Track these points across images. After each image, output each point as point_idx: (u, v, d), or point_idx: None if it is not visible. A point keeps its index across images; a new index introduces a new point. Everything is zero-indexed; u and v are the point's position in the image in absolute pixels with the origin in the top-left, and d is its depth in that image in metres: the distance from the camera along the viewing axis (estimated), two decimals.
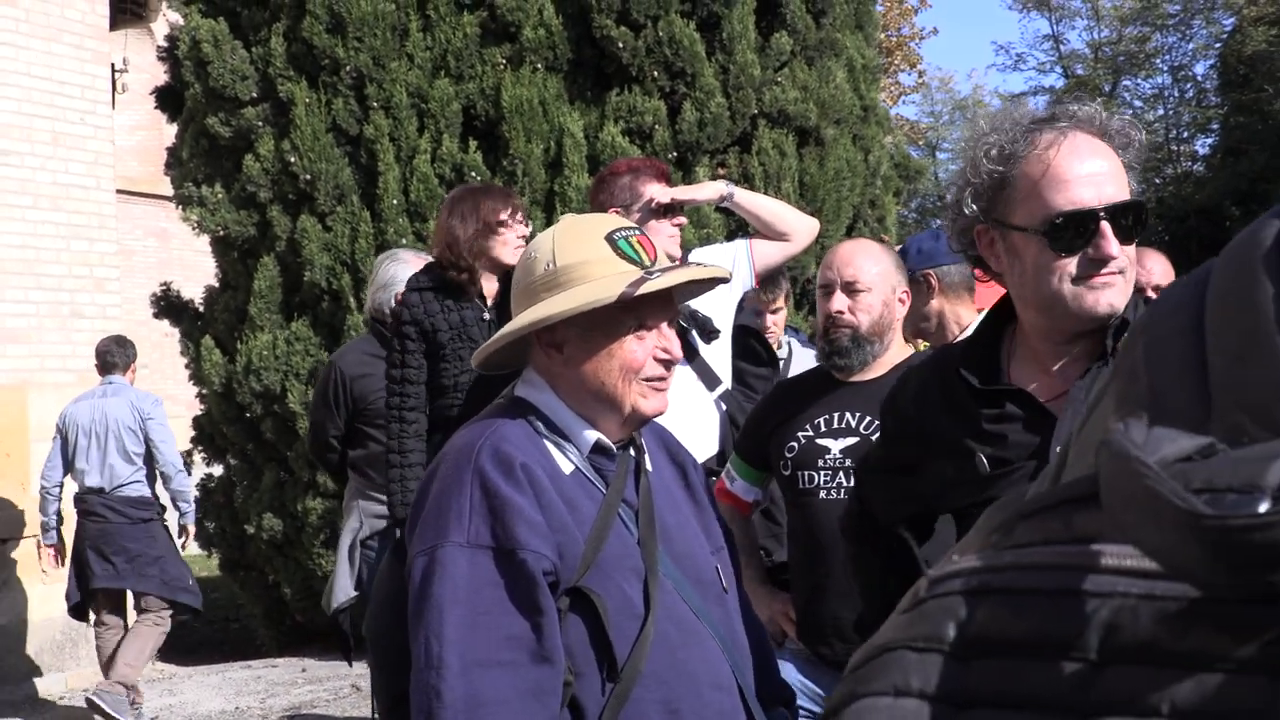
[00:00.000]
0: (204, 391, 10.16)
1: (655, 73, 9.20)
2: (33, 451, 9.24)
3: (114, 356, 8.41)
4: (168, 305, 10.80)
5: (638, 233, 2.33)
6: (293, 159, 9.34)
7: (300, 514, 9.47)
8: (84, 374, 9.60)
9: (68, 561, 8.40)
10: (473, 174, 9.14)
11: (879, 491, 2.56)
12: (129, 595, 8.48)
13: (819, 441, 3.55)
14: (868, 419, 3.41)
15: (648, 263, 2.28)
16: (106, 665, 8.13)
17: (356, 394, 5.80)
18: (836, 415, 3.48)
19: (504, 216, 4.89)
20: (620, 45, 9.14)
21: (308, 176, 9.33)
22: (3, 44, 9.21)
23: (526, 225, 4.99)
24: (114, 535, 8.12)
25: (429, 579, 2.12)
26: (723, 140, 9.37)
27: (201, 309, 10.60)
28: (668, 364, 2.32)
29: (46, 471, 8.34)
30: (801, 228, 4.72)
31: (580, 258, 2.26)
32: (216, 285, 10.47)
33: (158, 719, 8.16)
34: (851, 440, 3.45)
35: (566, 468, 2.25)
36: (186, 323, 10.62)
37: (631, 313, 2.26)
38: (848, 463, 3.37)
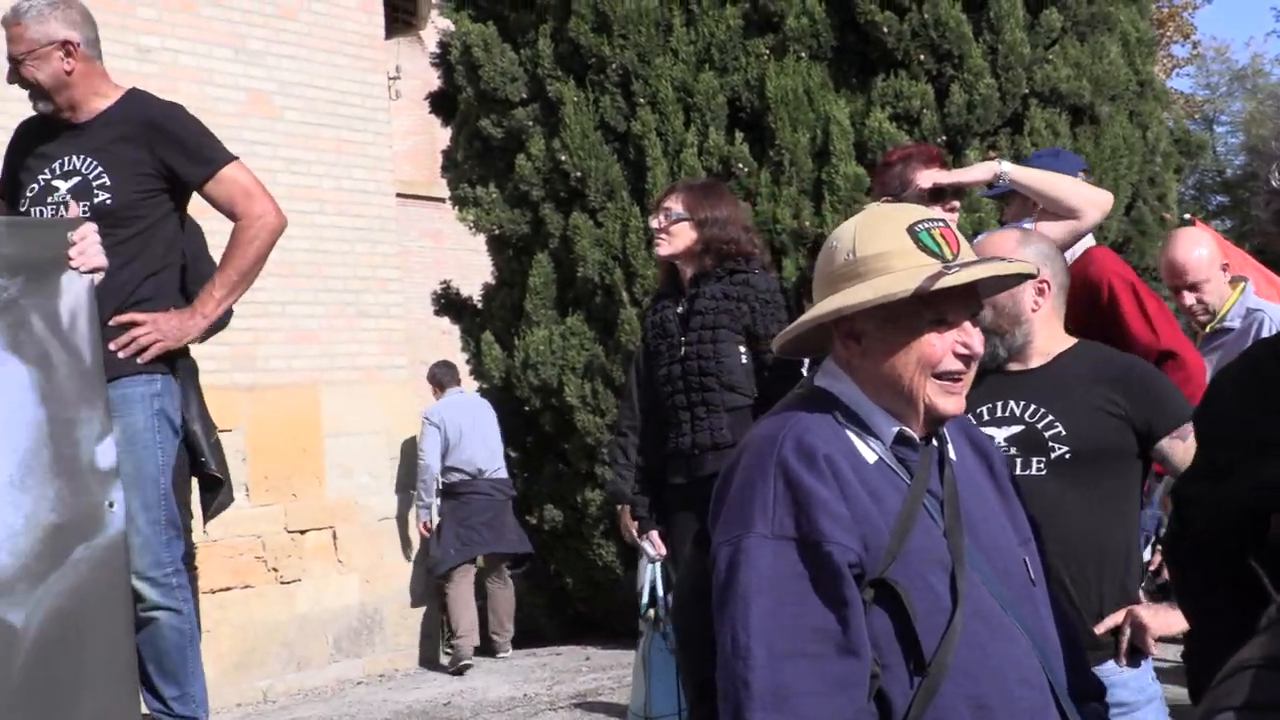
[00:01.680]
0: (484, 386, 10.41)
1: (921, 56, 9.07)
2: (326, 447, 9.60)
3: (446, 375, 10.60)
4: (448, 303, 11.11)
5: (941, 224, 2.29)
6: (563, 157, 9.51)
7: (580, 505, 9.65)
8: (370, 371, 9.96)
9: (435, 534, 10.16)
10: (739, 165, 9.17)
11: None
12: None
13: (984, 430, 3.42)
14: (1032, 407, 3.27)
15: (949, 256, 2.23)
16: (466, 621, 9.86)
17: None
18: (1000, 404, 3.34)
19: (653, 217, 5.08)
20: (885, 30, 9.04)
21: (578, 174, 9.48)
22: (288, 57, 9.58)
23: (664, 219, 5.00)
24: (485, 509, 9.93)
25: (734, 569, 2.12)
26: (993, 122, 9.18)
27: (480, 306, 10.87)
28: (967, 360, 2.27)
29: (428, 460, 9.99)
30: (1091, 202, 4.54)
31: (880, 249, 2.23)
32: (493, 282, 10.72)
33: (450, 704, 8.38)
34: (1016, 429, 3.32)
35: (870, 458, 2.22)
36: (466, 320, 10.91)
37: (930, 307, 2.21)
38: (1012, 450, 3.24)
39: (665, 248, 4.95)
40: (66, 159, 4.26)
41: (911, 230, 2.25)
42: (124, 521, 3.52)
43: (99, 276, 3.51)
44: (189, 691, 4.35)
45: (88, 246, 3.46)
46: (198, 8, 9.11)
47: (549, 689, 8.58)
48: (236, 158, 4.38)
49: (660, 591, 5.17)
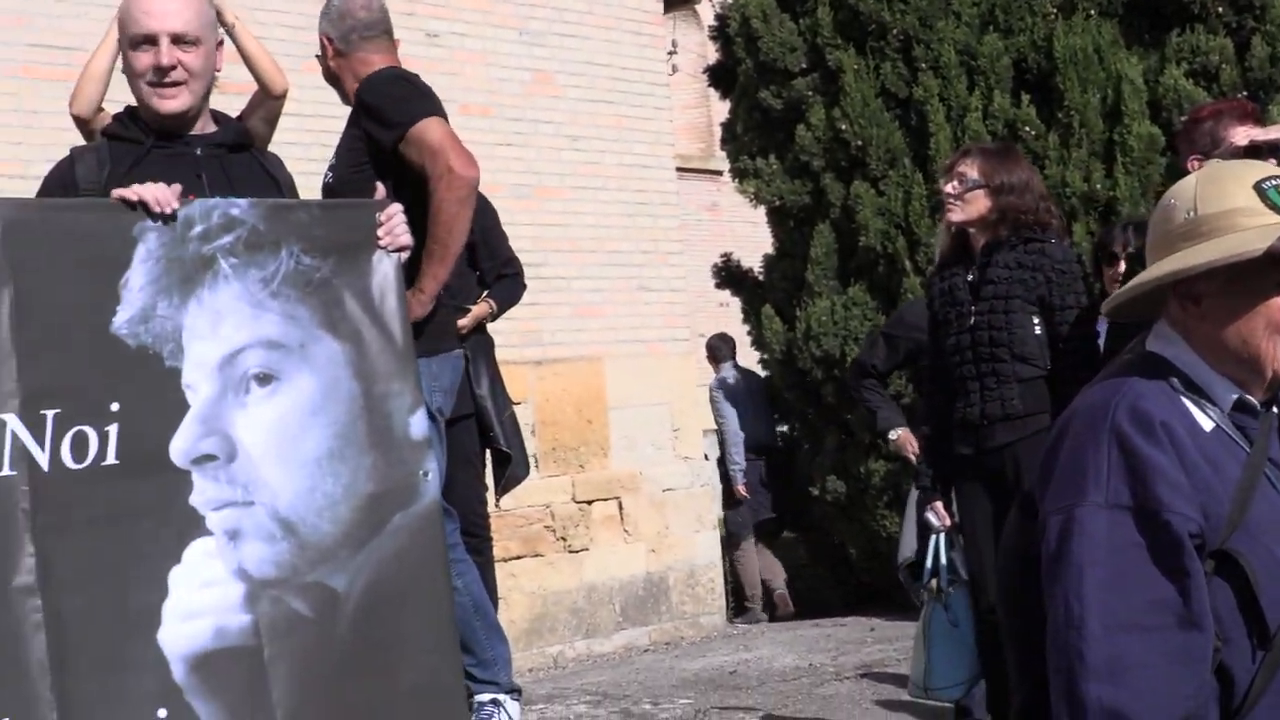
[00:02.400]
0: (765, 358, 10.42)
1: (1219, 8, 8.70)
2: (610, 419, 9.75)
3: (723, 348, 11.47)
4: (728, 275, 11.15)
5: None
6: (843, 126, 9.43)
7: (863, 476, 9.59)
8: (653, 345, 10.06)
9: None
10: (1026, 129, 8.96)
11: None
12: None
13: None
14: None
15: None
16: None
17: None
18: None
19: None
20: None
21: (859, 142, 9.39)
22: (570, 36, 9.72)
23: (958, 184, 4.84)
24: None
25: (1066, 539, 2.06)
26: None
27: (760, 278, 10.88)
28: None
29: (729, 425, 10.92)
30: None
31: (1224, 207, 2.13)
32: (773, 254, 10.71)
33: (736, 673, 8.43)
34: None
35: (1206, 425, 2.13)
36: (747, 292, 10.94)
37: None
38: None
39: (958, 214, 4.85)
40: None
41: (1259, 187, 2.13)
42: (438, 490, 3.63)
43: (406, 255, 3.61)
44: (484, 659, 4.47)
45: (395, 225, 3.56)
46: None
47: (834, 659, 8.55)
48: (430, 115, 4.21)
49: (943, 561, 5.11)
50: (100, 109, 4.88)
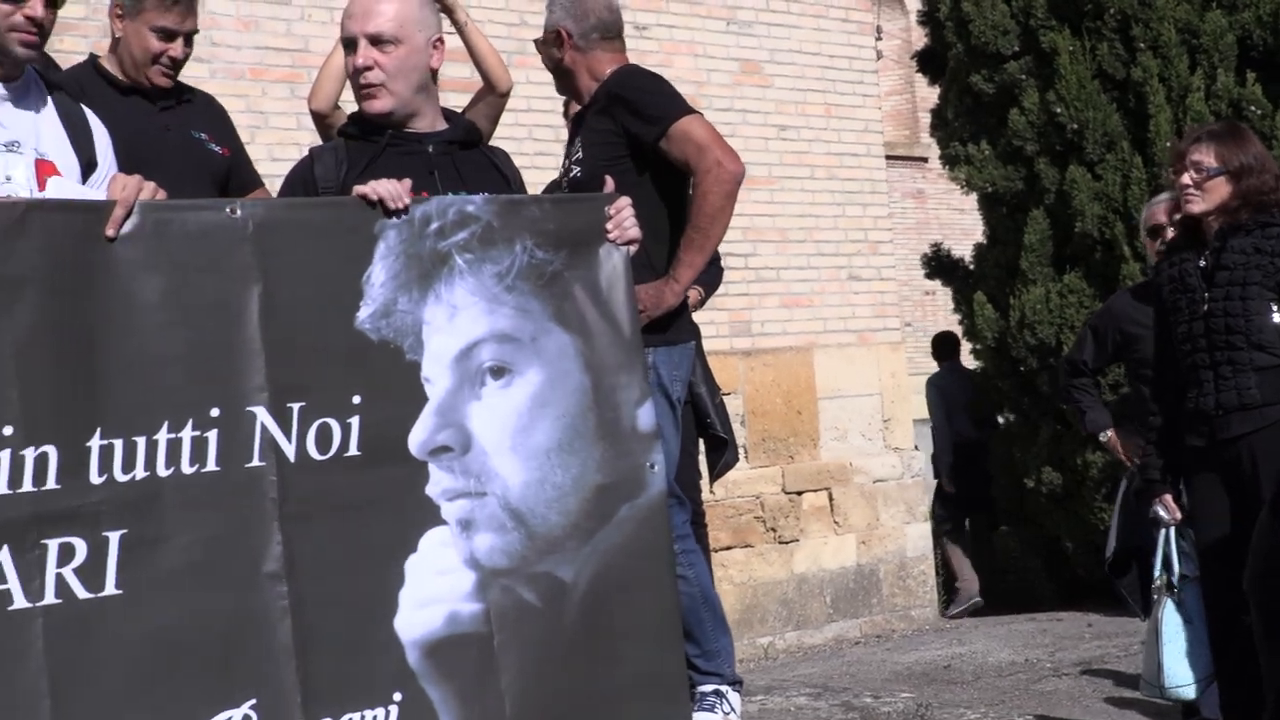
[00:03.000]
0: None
1: None
2: (820, 409, 9.72)
3: (947, 346, 11.60)
4: (938, 264, 11.03)
5: None
6: (1058, 109, 9.27)
7: (1080, 467, 9.41)
8: (863, 334, 10.01)
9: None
10: (1252, 108, 8.68)
11: None
12: None
13: None
14: None
15: None
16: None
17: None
18: None
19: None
20: None
21: (1074, 125, 9.22)
22: (777, 25, 9.71)
23: (1195, 174, 4.67)
24: None
25: None
26: None
27: (971, 266, 10.73)
28: None
29: (939, 421, 11.27)
30: None
31: None
32: (985, 241, 10.56)
33: (950, 667, 8.35)
34: None
35: None
36: (957, 280, 10.80)
37: None
38: None
39: (1198, 205, 4.70)
40: (572, 144, 4.48)
41: None
42: (664, 483, 3.66)
43: (634, 248, 3.64)
44: (709, 649, 4.49)
45: (624, 219, 3.59)
46: None
47: (1051, 655, 8.41)
48: (692, 112, 4.31)
49: (1174, 557, 4.97)
50: (337, 106, 5.02)
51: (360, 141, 3.68)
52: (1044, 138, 9.48)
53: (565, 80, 4.53)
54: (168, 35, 4.36)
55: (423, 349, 3.27)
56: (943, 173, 14.35)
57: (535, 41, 4.59)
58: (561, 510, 3.45)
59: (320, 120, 5.04)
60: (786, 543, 9.53)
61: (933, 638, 9.59)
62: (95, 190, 3.29)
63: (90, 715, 2.86)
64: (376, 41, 3.60)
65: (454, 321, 3.32)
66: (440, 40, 3.77)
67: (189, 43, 4.47)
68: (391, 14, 3.61)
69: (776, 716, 4.86)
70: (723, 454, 5.36)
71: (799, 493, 9.62)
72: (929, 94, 16.10)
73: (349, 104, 4.71)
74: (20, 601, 2.81)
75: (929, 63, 11.04)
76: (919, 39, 13.62)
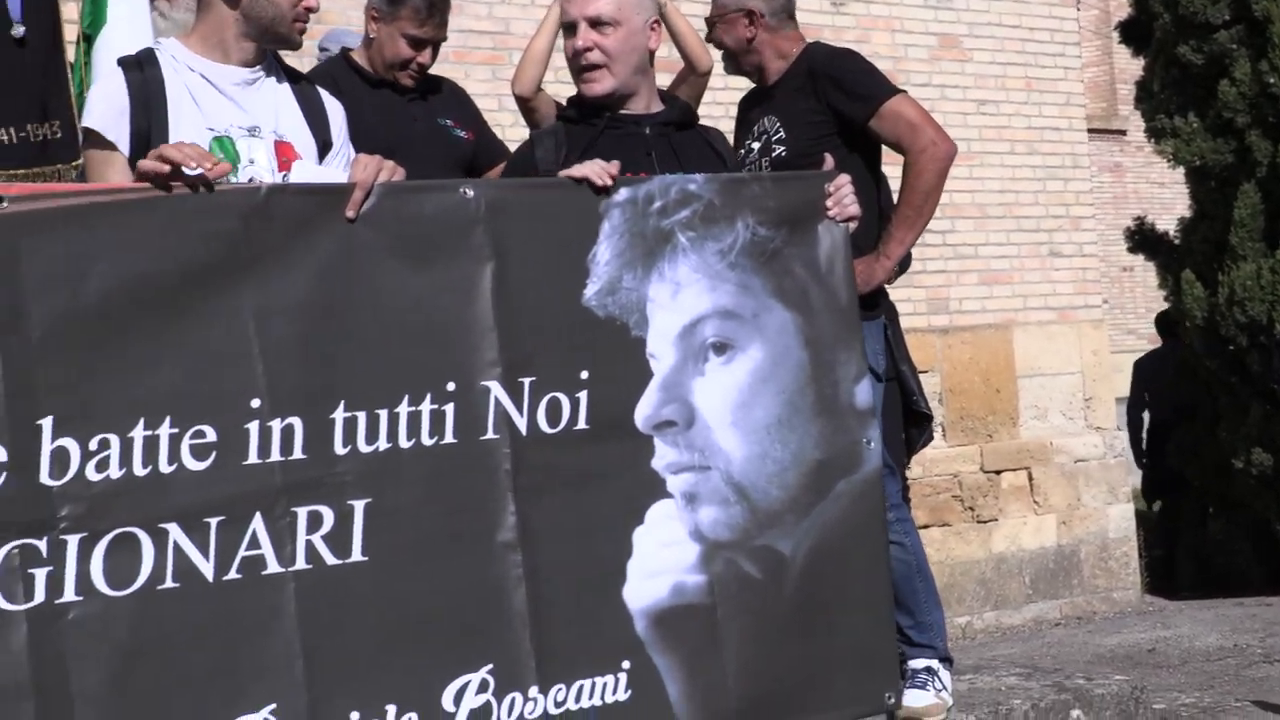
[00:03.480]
0: (1184, 324, 10.06)
1: None
2: (1019, 388, 9.61)
3: (1165, 326, 11.28)
4: (1141, 239, 10.81)
5: None
6: (1271, 80, 9.02)
7: None
8: (1064, 312, 9.87)
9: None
10: None
11: None
12: None
13: None
14: None
15: None
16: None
17: None
18: None
19: None
20: None
21: None
22: None
23: None
24: None
25: None
26: None
27: (1177, 241, 10.50)
28: None
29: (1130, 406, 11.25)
30: None
31: None
32: (1192, 216, 10.32)
33: (1155, 651, 8.21)
34: None
35: None
36: (1162, 256, 10.57)
37: None
38: None
39: None
40: (759, 123, 4.50)
41: None
42: (880, 458, 3.69)
43: (854, 225, 3.67)
44: (923, 621, 4.49)
45: (844, 196, 3.62)
46: None
47: (1262, 640, 8.21)
48: (900, 91, 4.35)
49: None
50: (539, 89, 5.12)
51: (579, 125, 3.75)
52: (1256, 109, 9.23)
53: (747, 59, 4.53)
54: (417, 44, 4.52)
55: (647, 325, 3.34)
56: (1141, 146, 14.06)
57: (709, 20, 4.60)
58: (781, 485, 3.49)
59: (524, 104, 5.13)
60: (985, 522, 9.45)
61: (1135, 620, 9.44)
62: (333, 169, 3.41)
63: (340, 676, 2.97)
64: (596, 24, 3.68)
65: (677, 298, 3.38)
66: (657, 22, 3.83)
67: (436, 50, 4.62)
68: None
69: (987, 695, 4.83)
70: (924, 430, 5.36)
71: (998, 472, 9.54)
72: (1128, 65, 15.79)
73: (551, 85, 4.83)
74: (273, 566, 2.93)
75: (1132, 33, 10.79)
76: (1118, 9, 13.35)
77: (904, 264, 5.58)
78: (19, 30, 4.68)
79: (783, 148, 4.37)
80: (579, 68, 3.72)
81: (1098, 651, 8.28)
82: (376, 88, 4.57)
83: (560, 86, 4.68)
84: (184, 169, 2.88)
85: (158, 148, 2.99)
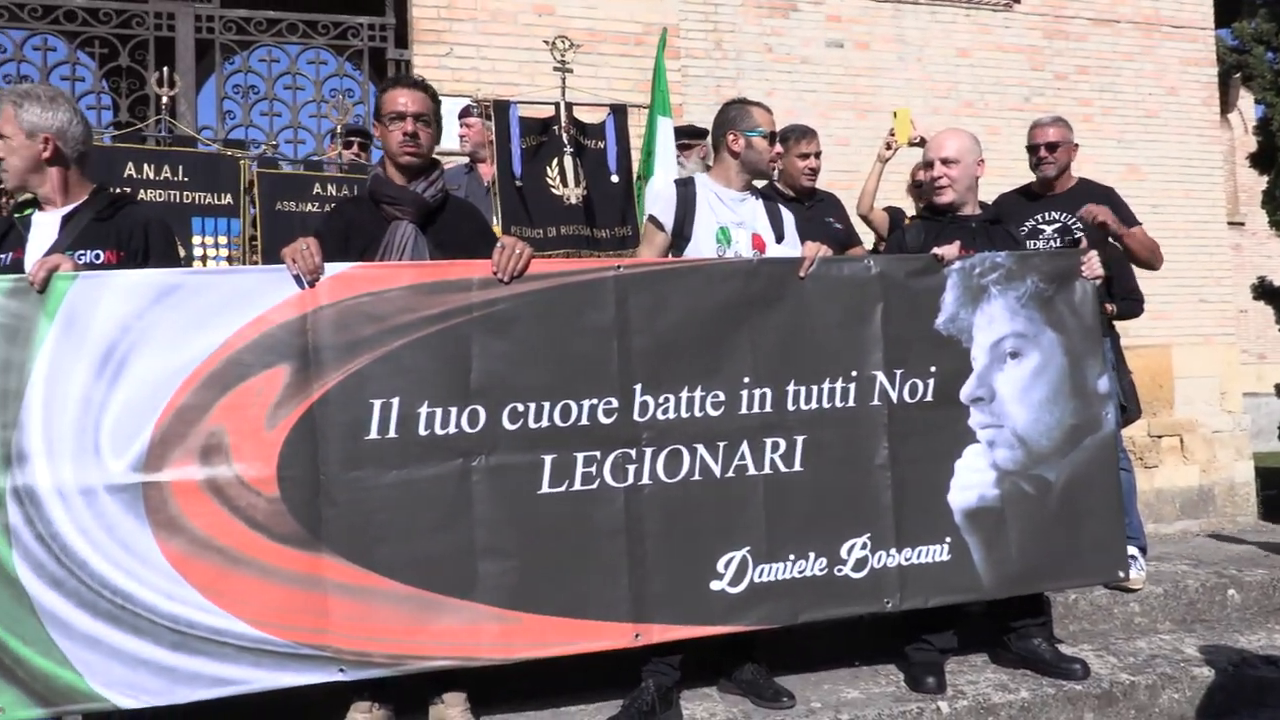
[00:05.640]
0: None
1: None
2: (1175, 385, 8.76)
3: None
4: (1263, 291, 9.64)
5: None
6: None
7: None
8: (1207, 338, 8.93)
9: None
10: None
11: None
12: None
13: None
14: None
15: None
16: None
17: None
18: None
19: None
20: None
21: None
22: (1153, 140, 8.80)
23: None
24: None
25: None
26: None
27: None
28: None
29: None
30: None
31: None
32: None
33: (1270, 556, 7.30)
34: None
35: None
36: (1277, 302, 9.41)
37: None
38: None
39: None
40: (1045, 213, 4.27)
41: None
42: (1114, 424, 3.45)
43: (1099, 281, 3.45)
44: (1132, 522, 4.20)
45: (1094, 264, 3.41)
46: None
47: None
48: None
49: None
50: (872, 208, 4.98)
51: (931, 221, 3.67)
52: None
53: (1061, 171, 4.33)
54: (805, 159, 4.53)
55: (972, 341, 3.24)
56: (1256, 231, 12.54)
57: (1049, 144, 4.33)
58: (1049, 438, 3.32)
59: (864, 217, 5.00)
60: (1150, 468, 8.65)
61: (1252, 535, 8.42)
62: (787, 248, 3.44)
63: (784, 533, 3.02)
64: (946, 161, 3.59)
65: (990, 325, 3.27)
66: (982, 160, 3.70)
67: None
68: (955, 146, 3.57)
69: (1167, 576, 4.45)
70: (1126, 413, 4.96)
71: (1159, 437, 8.71)
72: (1248, 179, 14.12)
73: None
74: (752, 470, 3.01)
75: (1259, 159, 9.64)
76: (1244, 143, 11.94)
77: (1127, 315, 5.16)
78: (614, 178, 4.91)
79: (1082, 232, 4.16)
80: (934, 187, 3.62)
81: (1228, 554, 7.43)
82: (788, 203, 4.58)
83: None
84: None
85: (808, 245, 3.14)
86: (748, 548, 2.98)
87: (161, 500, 2.56)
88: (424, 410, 2.73)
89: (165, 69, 5.32)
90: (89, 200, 2.85)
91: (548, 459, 2.81)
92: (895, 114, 4.85)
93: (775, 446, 3.03)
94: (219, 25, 5.82)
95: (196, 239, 4.82)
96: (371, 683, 2.75)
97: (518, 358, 2.80)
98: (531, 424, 2.81)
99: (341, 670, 2.66)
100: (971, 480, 3.24)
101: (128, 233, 2.80)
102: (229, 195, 4.84)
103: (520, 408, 2.80)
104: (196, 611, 2.57)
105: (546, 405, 2.82)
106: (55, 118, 2.79)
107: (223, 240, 4.85)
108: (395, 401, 2.70)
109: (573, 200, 4.78)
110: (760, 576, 2.98)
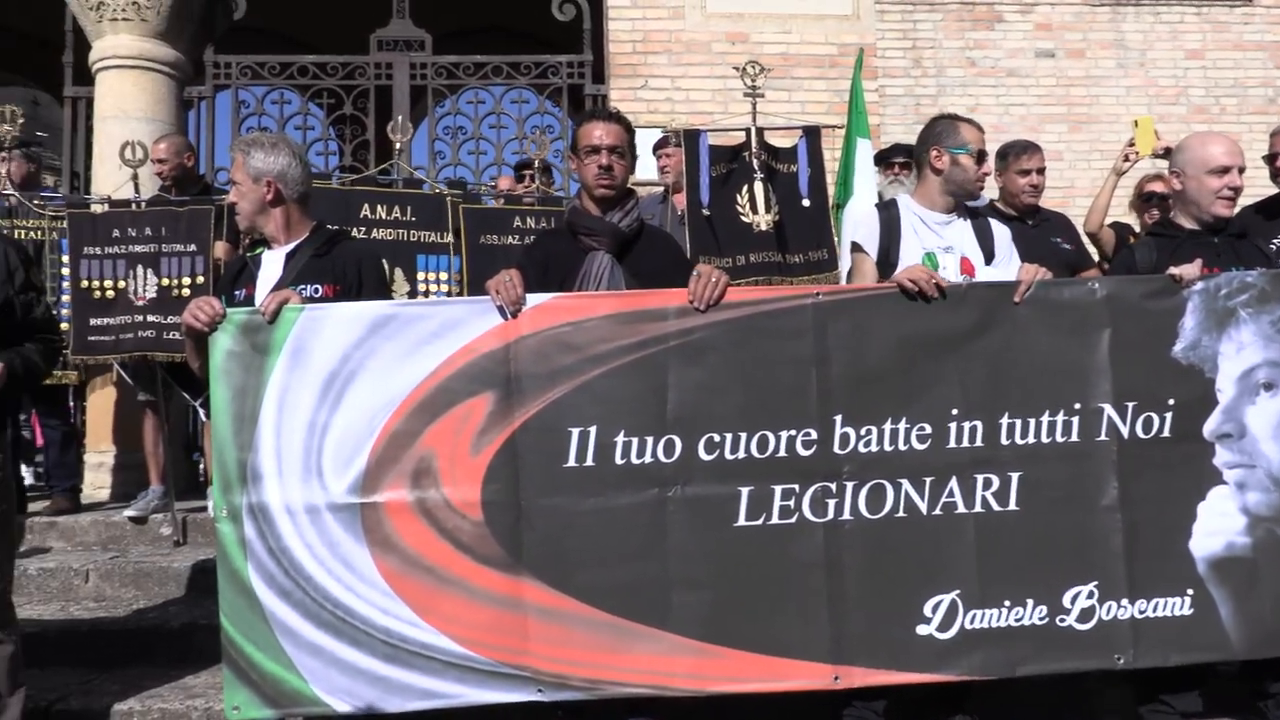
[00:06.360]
0: None
1: None
2: None
3: None
4: None
5: None
6: None
7: None
8: None
9: None
10: None
11: None
12: None
13: None
14: None
15: None
16: None
17: None
18: None
19: None
20: None
21: None
22: None
23: None
24: None
25: None
26: None
27: None
28: None
29: None
30: None
31: None
32: None
33: None
34: None
35: None
36: None
37: None
38: None
39: None
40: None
41: None
42: None
43: None
44: None
45: None
46: None
47: None
48: None
49: None
50: (1102, 226, 4.69)
51: (1164, 238, 3.35)
52: None
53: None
54: (1026, 175, 4.29)
55: (1217, 370, 2.92)
56: None
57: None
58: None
59: (1092, 236, 4.69)
60: None
61: None
62: (1000, 270, 3.23)
63: (998, 575, 2.81)
64: (1242, 170, 3.27)
65: (1240, 353, 2.93)
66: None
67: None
68: (1241, 153, 3.28)
69: None
70: None
71: None
72: None
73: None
74: (961, 508, 2.83)
75: None
76: None
77: None
78: (806, 201, 4.85)
79: None
80: (1218, 198, 3.26)
81: None
82: (1010, 221, 4.33)
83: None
84: (903, 285, 2.84)
85: (904, 270, 2.94)
86: (957, 591, 2.80)
87: (377, 520, 2.70)
88: (620, 439, 2.74)
89: (400, 117, 5.72)
90: (309, 238, 3.02)
91: (744, 491, 2.76)
92: (1136, 123, 4.51)
93: (987, 483, 2.84)
94: (431, 71, 6.21)
95: (420, 275, 5.15)
96: (566, 705, 2.78)
97: (714, 387, 2.77)
98: (728, 455, 2.77)
99: (540, 691, 2.70)
100: (1218, 526, 2.91)
101: (342, 267, 2.96)
102: (449, 234, 5.14)
103: (716, 438, 2.76)
104: (408, 627, 2.68)
105: (743, 436, 2.77)
106: (276, 162, 2.99)
107: (443, 276, 5.15)
108: (593, 430, 2.74)
109: (763, 227, 4.74)
110: (972, 622, 2.79)
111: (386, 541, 2.70)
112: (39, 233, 5.26)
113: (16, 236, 5.06)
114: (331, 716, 2.71)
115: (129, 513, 5.05)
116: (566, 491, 2.72)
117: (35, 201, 5.28)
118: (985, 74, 6.95)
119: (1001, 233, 3.29)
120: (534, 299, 2.77)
